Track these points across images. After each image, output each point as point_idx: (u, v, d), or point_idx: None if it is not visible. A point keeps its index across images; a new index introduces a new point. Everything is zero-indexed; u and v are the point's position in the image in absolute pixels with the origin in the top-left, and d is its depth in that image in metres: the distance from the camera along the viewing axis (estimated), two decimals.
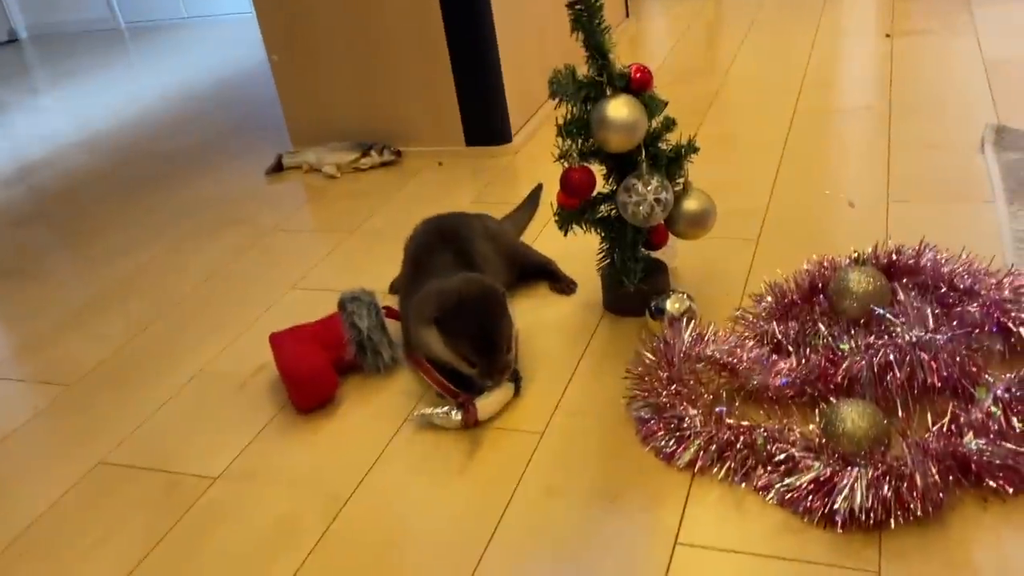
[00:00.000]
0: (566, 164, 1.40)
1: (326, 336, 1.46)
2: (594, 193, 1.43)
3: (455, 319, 1.29)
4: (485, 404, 1.30)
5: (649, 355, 1.27)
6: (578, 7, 1.30)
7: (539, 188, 2.02)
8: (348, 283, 1.78)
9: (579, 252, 1.59)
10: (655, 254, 1.54)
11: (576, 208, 1.45)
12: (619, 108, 1.30)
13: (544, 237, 1.86)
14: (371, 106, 2.42)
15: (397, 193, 2.22)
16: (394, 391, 1.43)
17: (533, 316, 1.57)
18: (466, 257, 1.51)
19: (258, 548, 1.16)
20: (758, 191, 1.90)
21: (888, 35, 2.77)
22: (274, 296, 1.80)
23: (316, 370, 1.39)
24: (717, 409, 1.18)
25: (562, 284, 1.65)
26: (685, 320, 1.37)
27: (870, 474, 1.04)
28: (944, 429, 1.07)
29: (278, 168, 2.47)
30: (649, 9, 3.62)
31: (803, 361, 1.23)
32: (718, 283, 1.58)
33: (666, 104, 1.37)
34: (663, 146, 1.41)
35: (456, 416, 1.29)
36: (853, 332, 1.24)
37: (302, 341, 1.45)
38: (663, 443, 1.19)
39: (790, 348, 1.29)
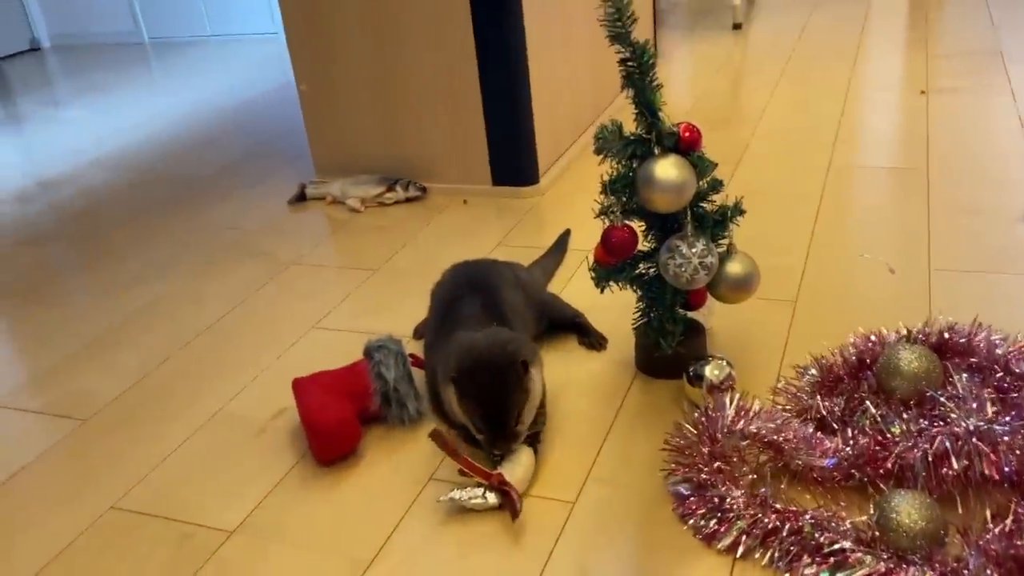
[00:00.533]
0: (607, 221, 1.36)
1: (351, 384, 1.41)
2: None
3: (469, 382, 1.25)
4: (515, 479, 1.24)
5: (690, 427, 1.22)
6: (630, 64, 1.26)
7: (567, 234, 1.98)
8: (371, 324, 1.75)
9: (610, 304, 1.54)
10: (693, 314, 1.50)
11: (614, 266, 1.40)
12: (668, 169, 1.26)
13: (573, 287, 1.81)
14: (398, 140, 2.39)
15: (421, 231, 2.18)
16: (419, 445, 1.38)
17: (562, 372, 1.52)
18: (495, 308, 1.46)
19: None
20: (794, 249, 1.85)
21: (923, 92, 2.74)
22: (295, 335, 1.76)
23: (340, 421, 1.34)
24: (761, 490, 1.13)
25: (592, 339, 1.60)
26: (726, 391, 1.32)
27: (927, 573, 0.98)
28: (1006, 529, 1.02)
29: (301, 198, 2.43)
30: (673, 49, 3.60)
31: (850, 442, 1.18)
32: (755, 347, 1.53)
33: (715, 166, 1.33)
34: (708, 206, 1.37)
35: (492, 499, 1.22)
36: (905, 415, 1.18)
37: (326, 388, 1.40)
38: (703, 522, 1.14)
39: (835, 426, 1.24)
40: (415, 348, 1.64)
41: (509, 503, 1.21)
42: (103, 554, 1.24)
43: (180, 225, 2.38)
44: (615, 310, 1.61)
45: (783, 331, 1.57)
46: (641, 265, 1.42)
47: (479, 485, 1.23)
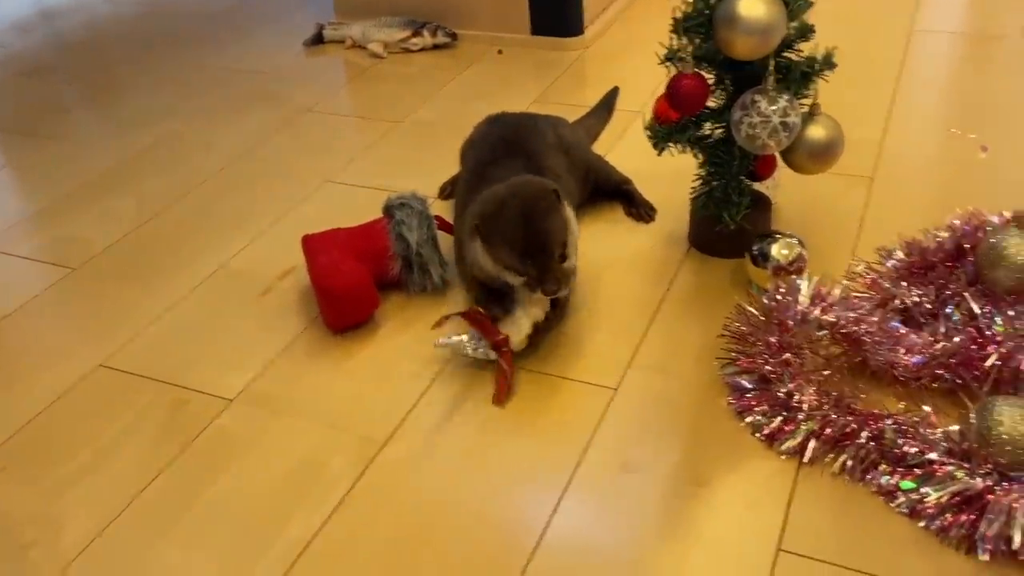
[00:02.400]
0: (675, 68, 1.15)
1: (368, 245, 1.25)
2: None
3: (496, 223, 1.09)
4: (515, 333, 1.11)
5: (755, 312, 1.06)
6: None
7: (615, 92, 1.76)
8: (390, 181, 1.58)
9: (660, 172, 1.35)
10: (757, 186, 1.31)
11: (677, 123, 1.21)
12: (755, 5, 1.05)
13: (617, 152, 1.62)
14: None
15: (449, 82, 1.97)
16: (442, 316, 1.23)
17: (605, 246, 1.35)
18: (535, 173, 1.28)
19: (275, 495, 0.99)
20: (871, 119, 1.64)
21: None
22: (307, 188, 1.59)
23: (355, 285, 1.19)
24: (834, 392, 0.98)
25: (640, 209, 1.43)
26: (795, 273, 1.15)
27: None
28: None
29: (318, 40, 2.21)
30: None
31: (941, 339, 1.02)
32: (827, 227, 1.35)
33: (811, 5, 1.11)
34: (795, 57, 1.16)
35: (491, 354, 1.10)
36: (1010, 312, 1.01)
37: (340, 248, 1.24)
38: (765, 420, 0.99)
39: (923, 320, 1.07)
40: (441, 209, 1.47)
41: (500, 378, 1.08)
42: (90, 415, 1.12)
43: (188, 63, 2.17)
44: (666, 178, 1.42)
45: (858, 211, 1.39)
46: (707, 125, 1.23)
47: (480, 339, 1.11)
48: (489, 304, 1.16)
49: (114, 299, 1.34)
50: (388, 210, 1.27)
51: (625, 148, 1.62)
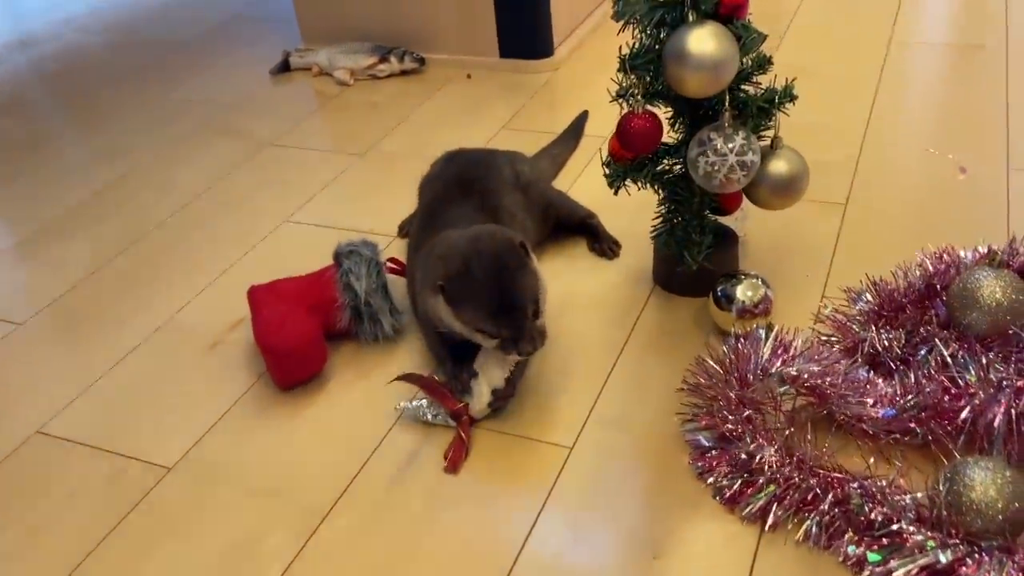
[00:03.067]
0: (625, 106, 1.10)
1: (317, 295, 1.20)
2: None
3: (463, 284, 1.02)
4: (476, 403, 1.06)
5: (715, 365, 1.01)
6: None
7: (584, 117, 1.71)
8: (351, 219, 1.53)
9: (626, 204, 1.29)
10: (724, 219, 1.26)
11: (632, 161, 1.16)
12: (704, 40, 0.99)
13: (587, 178, 1.57)
14: (394, 2, 2.08)
15: (417, 108, 1.92)
16: (393, 369, 1.18)
17: (565, 284, 1.30)
18: (489, 213, 1.23)
19: (212, 572, 0.93)
20: (845, 141, 1.58)
21: None
22: (264, 228, 1.54)
23: (300, 343, 1.14)
24: (799, 452, 0.92)
25: (604, 244, 1.37)
26: (760, 316, 1.10)
27: (1007, 568, 0.78)
28: None
29: (285, 68, 2.16)
30: None
31: (913, 388, 0.96)
32: (798, 259, 1.29)
33: (764, 38, 1.05)
34: (751, 90, 1.11)
35: (448, 421, 1.06)
36: (983, 358, 0.96)
37: (287, 300, 1.19)
38: (726, 482, 0.94)
39: (893, 366, 1.02)
40: (399, 247, 1.42)
41: (456, 446, 1.03)
42: (23, 489, 1.07)
43: (153, 96, 2.12)
44: (631, 210, 1.37)
45: (829, 241, 1.33)
46: (665, 161, 1.17)
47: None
48: (448, 360, 1.10)
49: (58, 357, 1.29)
50: (337, 258, 1.22)
51: (594, 174, 1.57)
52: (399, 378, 1.05)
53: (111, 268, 1.48)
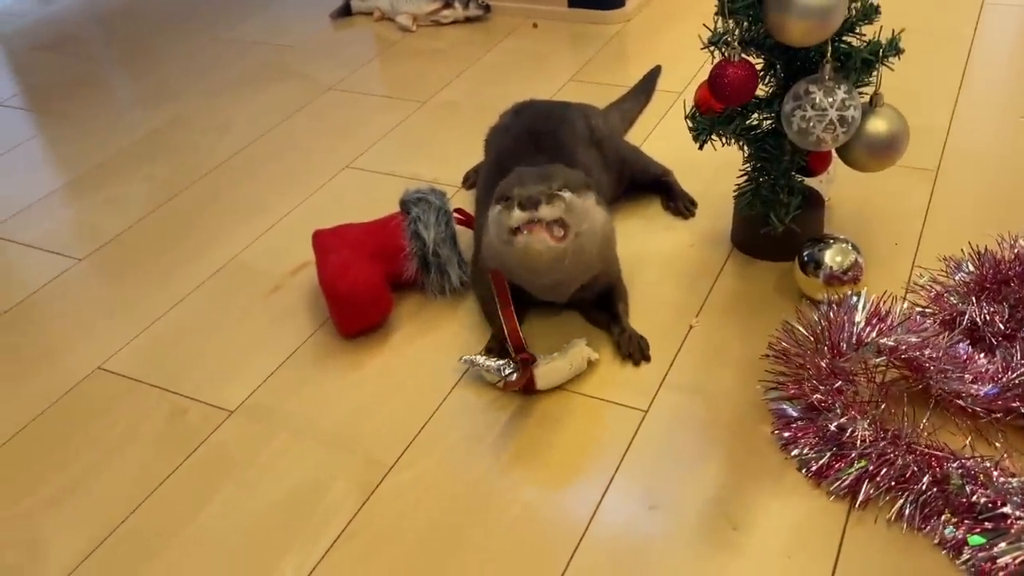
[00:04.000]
0: (719, 55, 1.04)
1: (383, 243, 1.16)
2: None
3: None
4: (548, 371, 1.01)
5: (803, 331, 0.95)
6: None
7: (656, 71, 1.64)
8: (413, 167, 1.48)
9: (703, 161, 1.23)
10: (809, 181, 1.19)
11: (720, 114, 1.09)
12: None
13: (658, 137, 1.50)
14: None
15: (481, 58, 1.86)
16: (460, 322, 1.15)
17: (639, 244, 1.24)
18: None
19: (270, 523, 0.91)
20: (936, 106, 1.50)
21: None
22: (325, 174, 1.50)
23: (366, 289, 1.10)
24: (893, 427, 0.87)
25: (679, 203, 1.31)
26: (850, 283, 1.04)
27: None
28: None
29: (345, 12, 2.11)
30: None
31: (1017, 366, 0.90)
32: (884, 227, 1.23)
33: None
34: (855, 42, 1.03)
35: (509, 374, 1.00)
36: None
37: (352, 246, 1.16)
38: (812, 455, 0.89)
39: (994, 341, 0.95)
40: (464, 200, 1.37)
41: (521, 377, 0.98)
42: (84, 425, 1.05)
43: (209, 37, 2.09)
44: (707, 169, 1.31)
45: (920, 209, 1.26)
46: (755, 115, 1.11)
47: (505, 359, 1.02)
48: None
49: (118, 294, 1.27)
50: (404, 205, 1.18)
51: (665, 132, 1.51)
52: (495, 274, 1.00)
53: (169, 208, 1.46)
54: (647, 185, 1.34)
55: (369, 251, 1.15)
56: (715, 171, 1.33)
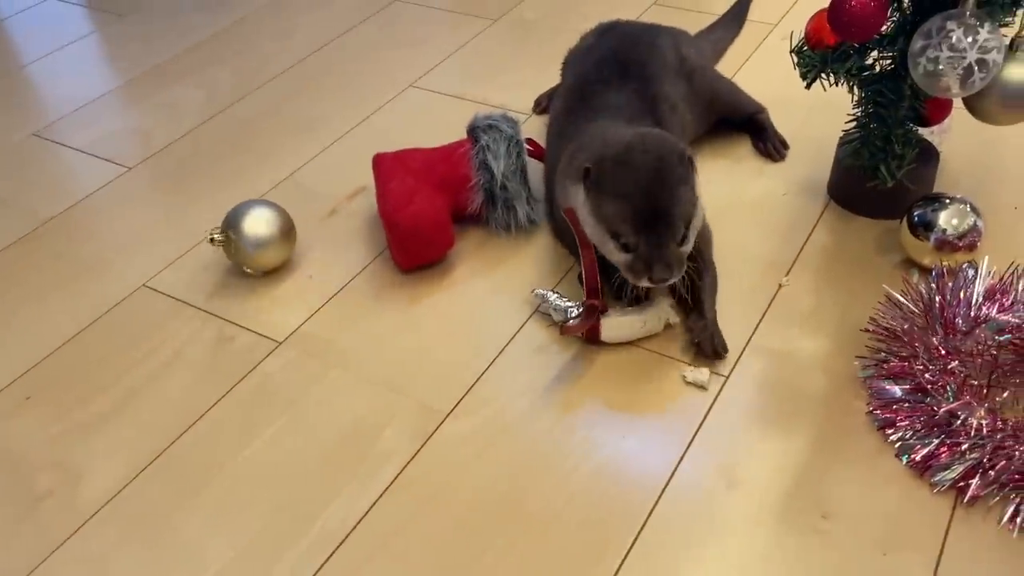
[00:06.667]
0: None
1: (447, 172, 1.07)
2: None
3: (616, 172, 0.88)
4: (617, 323, 0.93)
5: (911, 304, 0.85)
6: None
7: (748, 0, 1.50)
8: (483, 90, 1.38)
9: (798, 99, 1.11)
10: (921, 131, 1.07)
11: (834, 49, 0.97)
12: None
13: (748, 72, 1.38)
14: None
15: None
16: (526, 262, 1.06)
17: (725, 190, 1.14)
18: (648, 102, 1.07)
19: (317, 465, 0.85)
20: None
21: None
22: (388, 92, 1.41)
23: (428, 221, 1.02)
24: (1012, 417, 0.77)
25: (769, 144, 1.20)
26: (966, 250, 0.93)
27: None
28: None
29: None
30: None
31: None
32: (1002, 188, 1.11)
33: None
34: None
35: (575, 317, 0.92)
36: None
37: (415, 174, 1.07)
38: (916, 441, 0.80)
39: None
40: (535, 127, 1.27)
41: (584, 321, 0.91)
42: (126, 345, 1.00)
43: None
44: (802, 108, 1.20)
45: None
46: (873, 54, 0.99)
47: (578, 302, 0.95)
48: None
49: (166, 209, 1.21)
50: (473, 132, 1.09)
51: (754, 68, 1.38)
52: (570, 211, 0.90)
53: (225, 117, 1.38)
54: (738, 123, 1.22)
55: (434, 181, 1.06)
56: (808, 111, 1.22)
